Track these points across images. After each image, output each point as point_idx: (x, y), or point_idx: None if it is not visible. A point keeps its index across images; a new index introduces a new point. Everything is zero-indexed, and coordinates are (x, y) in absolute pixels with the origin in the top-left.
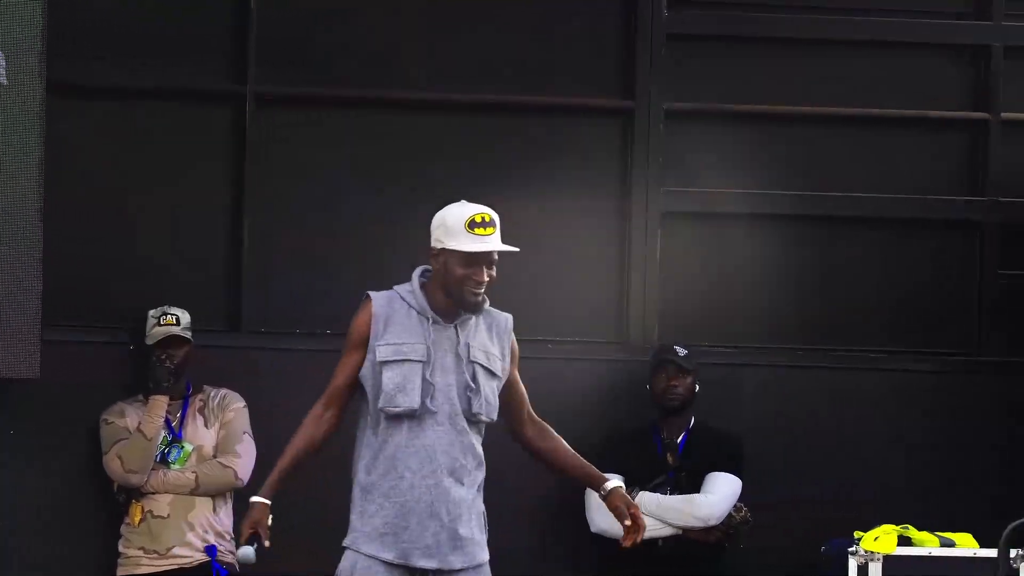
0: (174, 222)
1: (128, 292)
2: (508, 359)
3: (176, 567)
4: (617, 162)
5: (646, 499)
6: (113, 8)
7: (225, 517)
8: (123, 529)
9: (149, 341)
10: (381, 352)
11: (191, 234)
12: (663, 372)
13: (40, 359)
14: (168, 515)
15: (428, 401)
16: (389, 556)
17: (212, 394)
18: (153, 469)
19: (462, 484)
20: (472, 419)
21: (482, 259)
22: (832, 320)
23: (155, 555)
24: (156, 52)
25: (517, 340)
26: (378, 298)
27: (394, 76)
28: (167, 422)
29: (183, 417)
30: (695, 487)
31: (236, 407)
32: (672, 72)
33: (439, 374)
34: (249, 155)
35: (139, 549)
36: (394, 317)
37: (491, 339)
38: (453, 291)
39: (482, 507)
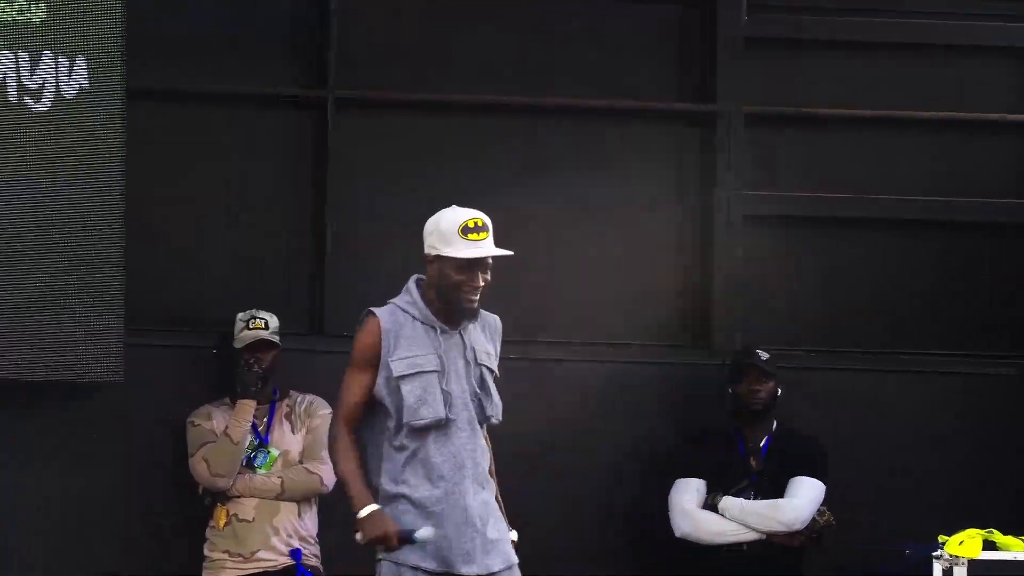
0: (254, 225)
1: (210, 296)
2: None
3: (260, 571)
4: (698, 166)
5: (730, 504)
6: (189, 13)
7: (309, 522)
8: (208, 532)
9: (237, 344)
10: (396, 367)
11: (272, 238)
12: (746, 376)
13: (123, 363)
14: (253, 519)
15: (448, 410)
16: (432, 565)
17: (299, 399)
18: (239, 473)
19: (483, 487)
20: (484, 422)
21: (477, 265)
22: (901, 323)
23: (240, 559)
24: (230, 56)
25: (603, 343)
26: (382, 314)
27: (469, 80)
28: (253, 427)
29: (270, 422)
30: (778, 491)
31: (322, 413)
32: (752, 76)
33: (454, 382)
34: (331, 159)
35: (224, 552)
36: (402, 331)
37: (487, 340)
38: (449, 297)
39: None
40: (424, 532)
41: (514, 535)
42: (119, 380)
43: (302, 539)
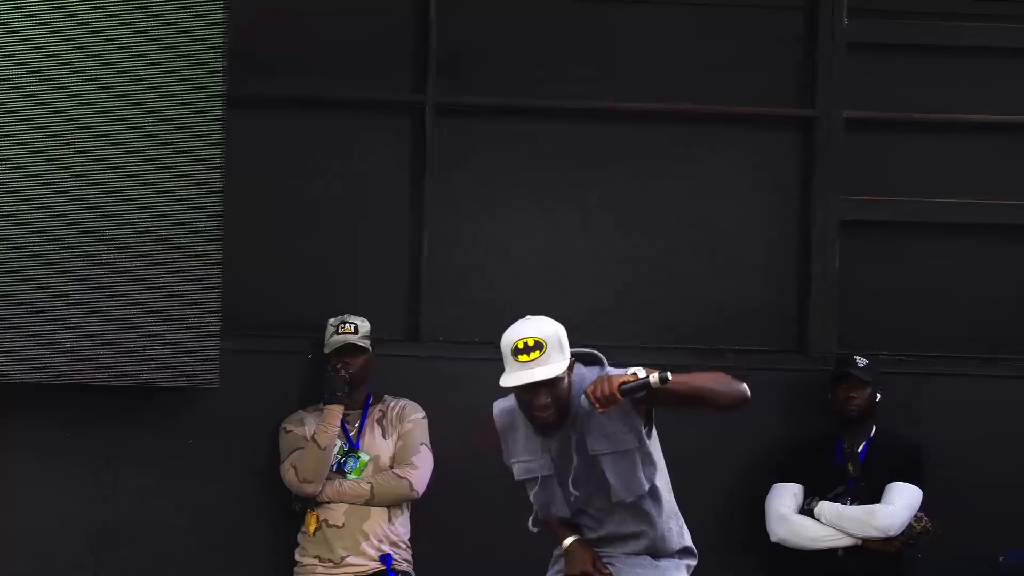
0: (351, 231)
1: (308, 302)
2: (636, 415)
3: (351, 575)
4: (797, 171)
5: (826, 509)
6: (291, 21)
7: (401, 527)
8: (299, 538)
9: (326, 350)
10: (516, 470)
11: (369, 243)
12: (842, 383)
13: (219, 368)
14: (343, 524)
15: (573, 509)
16: None
17: (391, 404)
18: (329, 479)
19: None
20: (619, 505)
21: (531, 387)
22: (1002, 329)
23: (330, 564)
24: (332, 62)
25: (700, 349)
26: (499, 415)
27: (568, 85)
28: (345, 432)
29: (361, 427)
30: (875, 497)
31: (414, 418)
32: (853, 81)
33: (572, 482)
34: (429, 166)
35: (314, 558)
36: (516, 433)
37: (608, 417)
38: (525, 412)
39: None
40: None
41: None
42: (215, 386)
43: (393, 544)
